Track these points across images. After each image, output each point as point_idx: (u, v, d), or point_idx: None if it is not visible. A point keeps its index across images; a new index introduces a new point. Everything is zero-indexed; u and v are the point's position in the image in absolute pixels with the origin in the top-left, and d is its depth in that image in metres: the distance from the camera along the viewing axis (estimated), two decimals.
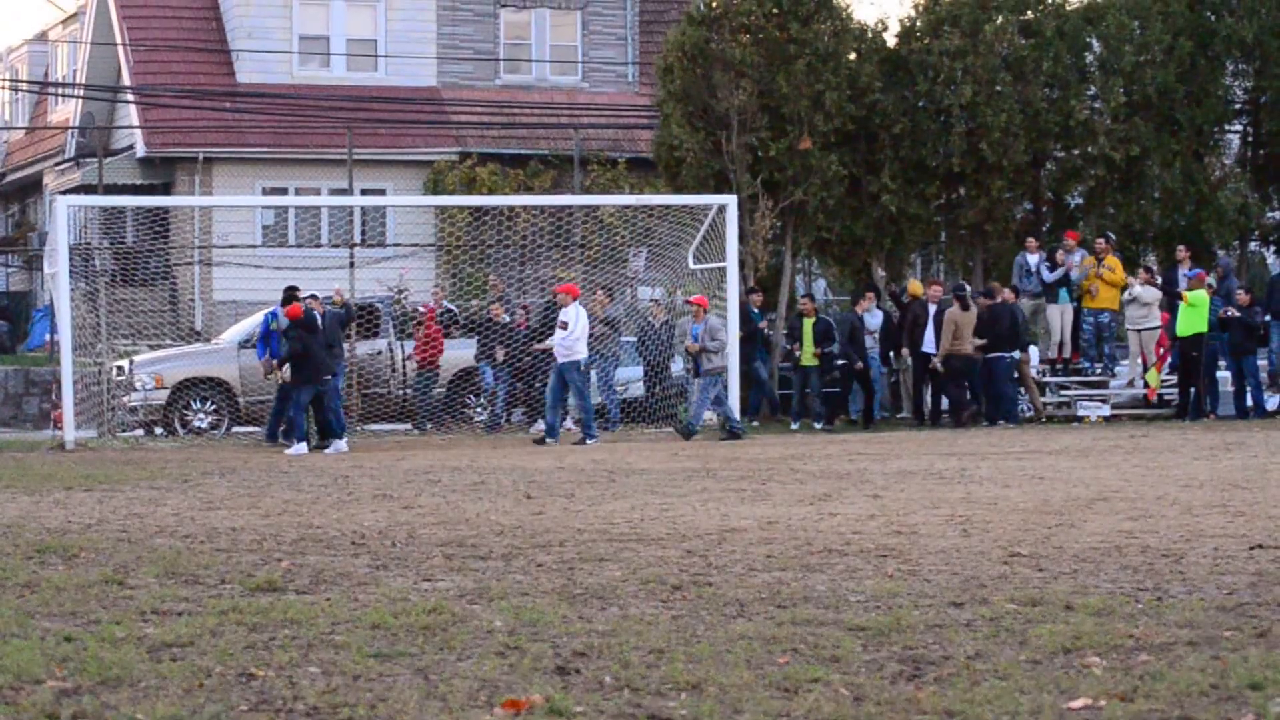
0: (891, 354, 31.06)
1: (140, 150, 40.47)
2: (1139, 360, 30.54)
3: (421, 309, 29.87)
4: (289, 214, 40.28)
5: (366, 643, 8.60)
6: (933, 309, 30.01)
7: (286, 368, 26.06)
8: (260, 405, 28.19)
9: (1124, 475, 18.22)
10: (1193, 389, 29.48)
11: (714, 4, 32.43)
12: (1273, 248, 37.89)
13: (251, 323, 29.19)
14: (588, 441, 25.97)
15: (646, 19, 43.06)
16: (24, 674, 7.79)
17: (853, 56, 32.74)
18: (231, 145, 40.42)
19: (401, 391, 29.73)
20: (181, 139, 40.26)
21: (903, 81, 32.88)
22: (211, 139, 40.37)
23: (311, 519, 14.78)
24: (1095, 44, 33.42)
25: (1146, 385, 30.50)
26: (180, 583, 10.77)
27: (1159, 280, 30.51)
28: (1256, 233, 35.60)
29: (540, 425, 28.69)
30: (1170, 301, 29.82)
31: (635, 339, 29.86)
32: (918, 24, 33.15)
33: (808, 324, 30.44)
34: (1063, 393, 31.06)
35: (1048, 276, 30.77)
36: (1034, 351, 31.25)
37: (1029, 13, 33.06)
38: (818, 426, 29.87)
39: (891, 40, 33.35)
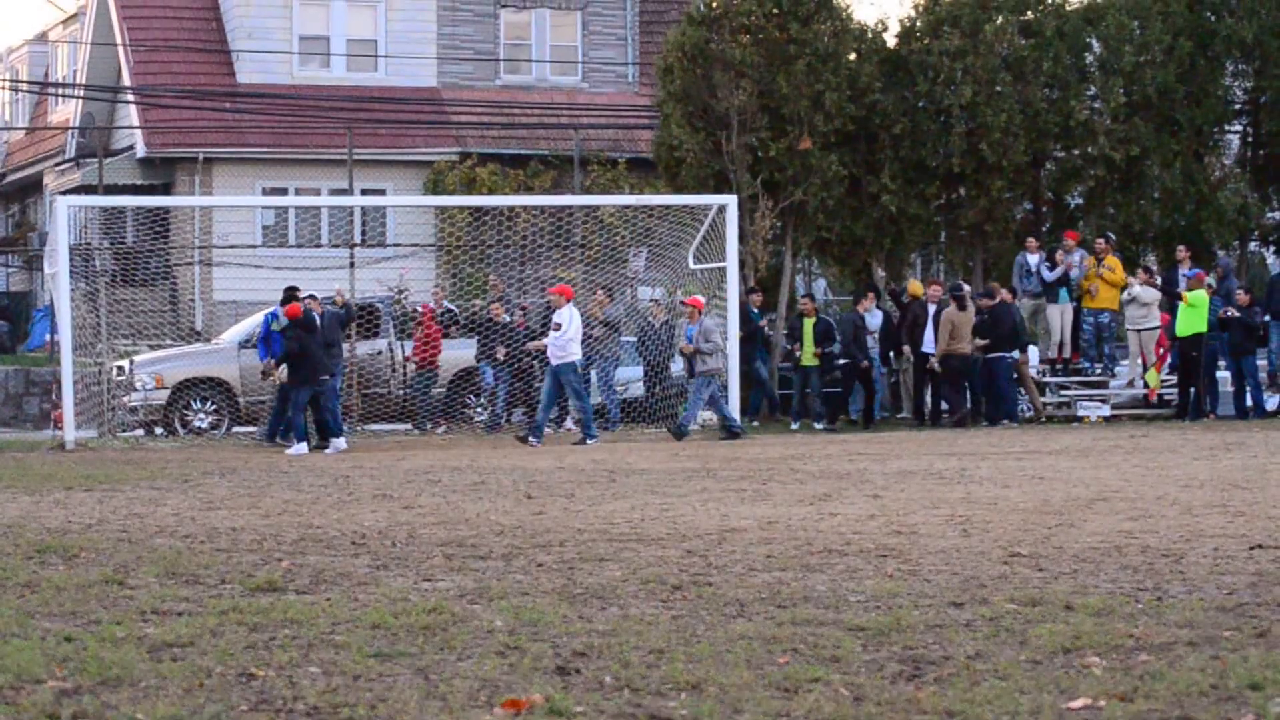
0: (892, 354, 31.07)
1: (140, 150, 40.47)
2: (1139, 360, 30.55)
3: (420, 309, 29.88)
4: (289, 214, 40.28)
5: (367, 642, 8.60)
6: (932, 309, 30.01)
7: (283, 368, 26.08)
8: (261, 405, 28.20)
9: (1124, 475, 18.23)
10: (1192, 389, 29.49)
11: (714, 4, 32.44)
12: (1273, 248, 37.90)
13: (252, 323, 29.20)
14: (588, 441, 25.96)
15: (646, 19, 43.07)
16: (24, 674, 7.79)
17: (853, 57, 32.75)
18: (232, 145, 40.43)
19: (401, 391, 29.73)
20: (181, 139, 40.26)
21: (903, 82, 32.88)
22: (212, 139, 40.37)
23: (312, 519, 14.78)
24: (1095, 44, 33.42)
25: (1146, 385, 30.51)
26: (180, 583, 10.77)
27: (1158, 280, 30.51)
28: (1256, 233, 35.60)
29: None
30: (1170, 302, 29.83)
31: (635, 339, 29.86)
32: (918, 24, 33.16)
33: (808, 324, 30.46)
34: (1063, 393, 31.06)
35: (1048, 276, 30.77)
36: (1034, 351, 31.26)
37: (1029, 13, 33.07)
38: (818, 426, 29.88)
39: (891, 40, 33.36)
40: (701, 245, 29.32)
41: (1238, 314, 29.32)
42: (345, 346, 28.33)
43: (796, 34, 31.96)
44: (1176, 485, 16.90)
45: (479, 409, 29.74)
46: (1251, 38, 33.10)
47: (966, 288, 30.55)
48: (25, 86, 48.69)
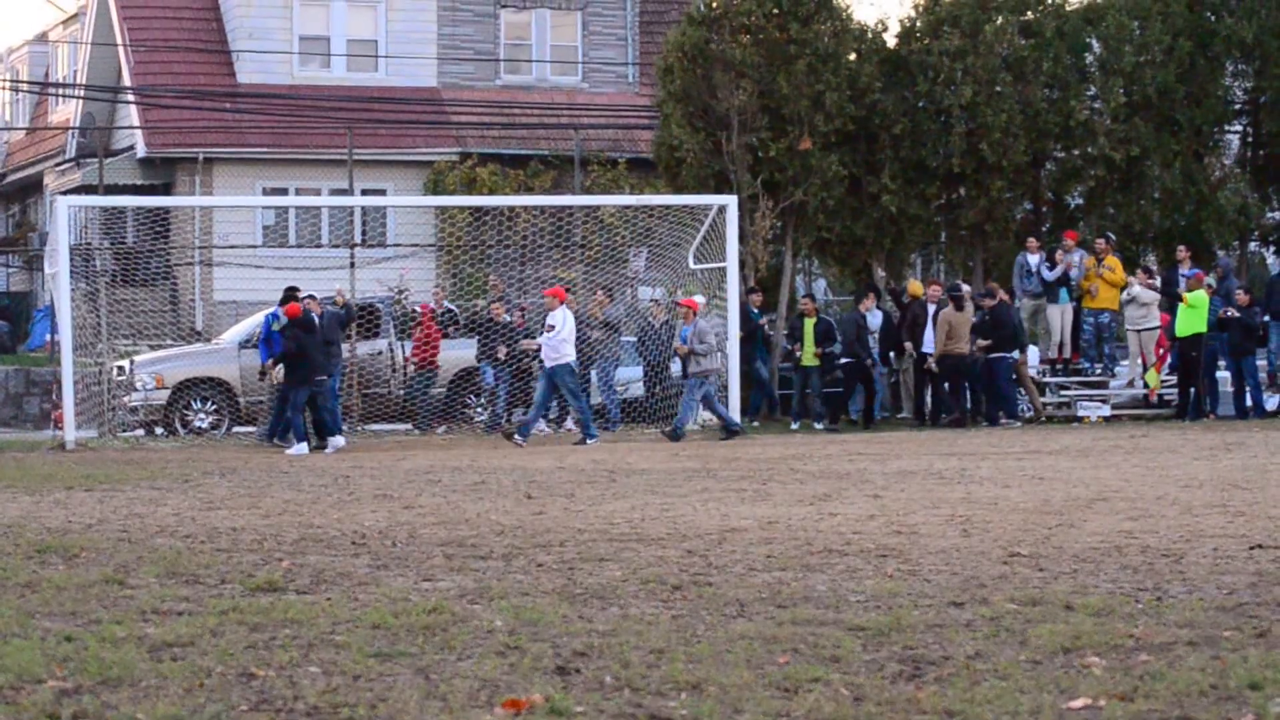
0: (892, 354, 31.07)
1: (141, 150, 40.48)
2: (1139, 360, 30.56)
3: (418, 309, 29.87)
4: (289, 214, 40.28)
5: (367, 642, 8.60)
6: (932, 309, 30.03)
7: (279, 368, 26.08)
8: (261, 406, 28.20)
9: (1124, 475, 18.23)
10: (1192, 389, 29.49)
11: (714, 4, 32.44)
12: (1273, 248, 37.89)
13: (252, 323, 29.20)
14: (588, 441, 25.96)
15: (646, 19, 43.07)
16: (25, 673, 7.80)
17: (853, 57, 32.74)
18: (232, 145, 40.43)
19: (401, 392, 29.72)
20: (182, 139, 40.26)
21: (903, 82, 32.88)
22: (212, 139, 40.37)
23: (312, 519, 14.78)
24: (1095, 44, 33.41)
25: (1146, 386, 30.51)
26: (181, 583, 10.78)
27: (1157, 281, 30.51)
28: (1256, 233, 35.60)
29: (540, 426, 28.70)
30: (1170, 302, 29.83)
31: (635, 339, 29.86)
32: (918, 24, 33.15)
33: (809, 324, 30.46)
34: (1063, 393, 31.06)
35: (1048, 276, 30.76)
36: (1034, 351, 31.25)
37: (1029, 13, 33.06)
38: (818, 426, 29.88)
39: (891, 41, 33.35)
40: (702, 245, 29.32)
41: (1237, 314, 29.32)
42: (345, 347, 28.34)
43: (797, 34, 31.96)
44: (1176, 485, 16.90)
45: (479, 409, 29.73)
46: (1251, 38, 33.09)
47: (966, 288, 30.56)
48: (25, 86, 48.69)
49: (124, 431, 28.10)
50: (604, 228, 33.98)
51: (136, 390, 28.45)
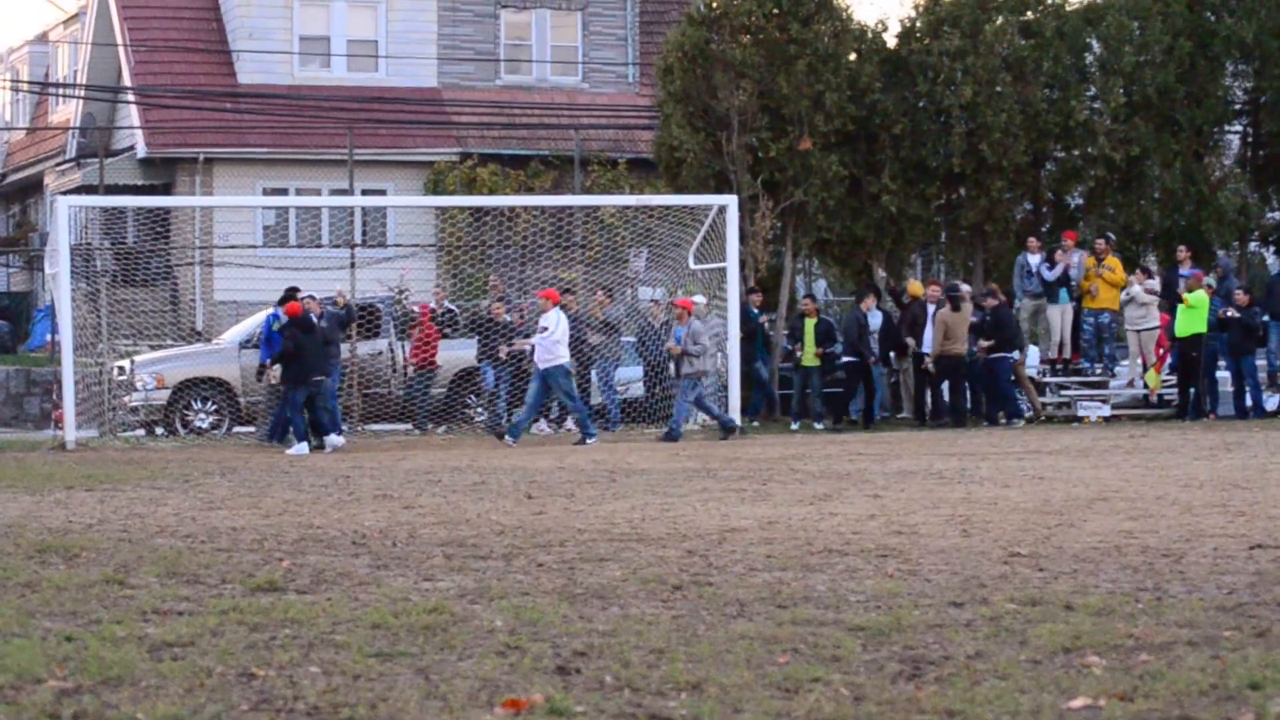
0: (892, 354, 31.07)
1: (141, 151, 40.48)
2: (1139, 360, 30.56)
3: (415, 309, 29.86)
4: (290, 214, 40.29)
5: (367, 642, 8.61)
6: (931, 309, 30.04)
7: (276, 367, 26.08)
8: (260, 406, 28.19)
9: (1124, 475, 18.23)
10: (1192, 389, 29.50)
11: (714, 5, 32.43)
12: (1273, 248, 37.89)
13: (253, 323, 29.21)
14: (587, 441, 25.97)
15: (647, 20, 43.07)
16: (25, 673, 7.80)
17: (853, 57, 32.75)
18: (232, 146, 40.43)
19: (401, 392, 29.72)
20: (182, 139, 40.27)
21: (903, 82, 32.88)
22: (212, 139, 40.37)
23: (312, 519, 14.79)
24: (1095, 44, 33.41)
25: (1146, 386, 30.52)
26: (181, 582, 10.78)
27: (1155, 280, 30.51)
28: (1256, 233, 35.60)
29: (541, 426, 28.70)
30: (1170, 302, 29.83)
31: (635, 339, 29.86)
32: (918, 25, 33.16)
33: (809, 324, 30.47)
34: (1063, 393, 31.06)
35: (1047, 276, 30.77)
36: (1034, 351, 31.25)
37: (1029, 13, 33.06)
38: (818, 426, 29.88)
39: (892, 41, 33.36)
40: (702, 246, 29.32)
41: (1237, 314, 29.32)
42: (345, 347, 28.34)
43: (797, 34, 31.96)
44: (1176, 485, 16.90)
45: (479, 409, 29.72)
46: (1251, 38, 33.10)
47: (966, 288, 30.56)
48: (26, 87, 48.71)
49: (124, 431, 28.11)
50: (604, 228, 33.99)
51: (137, 390, 28.46)
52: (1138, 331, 30.36)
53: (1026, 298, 31.00)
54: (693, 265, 29.54)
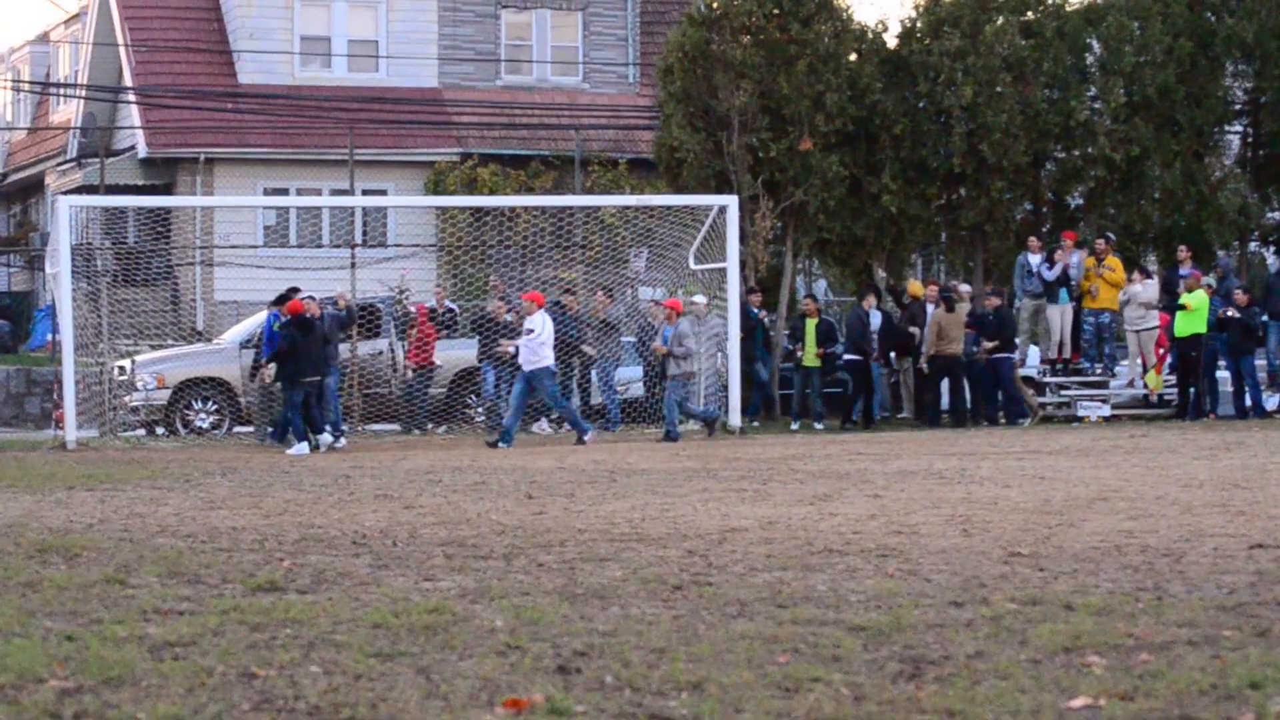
0: (893, 354, 31.09)
1: (142, 151, 40.48)
2: (1139, 361, 30.57)
3: (413, 309, 29.85)
4: (290, 214, 40.29)
5: (368, 642, 8.61)
6: (931, 309, 30.05)
7: (272, 366, 26.08)
8: (255, 406, 28.20)
9: (1124, 475, 18.24)
10: (1192, 389, 29.51)
11: (715, 5, 32.43)
12: (1273, 248, 37.89)
13: (253, 323, 29.21)
14: (584, 438, 25.98)
15: (647, 20, 43.07)
16: (26, 673, 7.80)
17: (853, 57, 32.75)
18: (233, 146, 40.43)
19: (400, 391, 29.72)
20: (183, 139, 40.27)
21: (903, 82, 32.88)
22: (213, 139, 40.38)
23: (313, 519, 14.79)
24: (1095, 45, 33.41)
25: (1146, 386, 30.53)
26: (182, 582, 10.79)
27: (1154, 281, 30.51)
28: (1256, 233, 35.60)
29: (541, 425, 28.70)
30: (1170, 303, 29.84)
31: (635, 339, 29.87)
32: (918, 25, 33.16)
33: (810, 324, 30.47)
34: (1063, 393, 31.07)
35: (1047, 275, 30.77)
36: (1034, 351, 31.26)
37: (1029, 13, 33.06)
38: (818, 426, 29.89)
39: (892, 41, 33.35)
40: (702, 246, 29.32)
41: (1237, 314, 29.33)
42: (346, 347, 28.34)
43: (797, 35, 31.96)
44: (1176, 485, 16.91)
45: (479, 410, 29.72)
46: (1251, 38, 33.10)
47: (965, 288, 30.57)
48: (27, 87, 48.71)
49: (125, 431, 28.12)
50: (604, 228, 33.99)
51: (138, 390, 28.47)
52: (1137, 332, 30.37)
53: (1026, 298, 31.00)
54: (693, 265, 29.54)
